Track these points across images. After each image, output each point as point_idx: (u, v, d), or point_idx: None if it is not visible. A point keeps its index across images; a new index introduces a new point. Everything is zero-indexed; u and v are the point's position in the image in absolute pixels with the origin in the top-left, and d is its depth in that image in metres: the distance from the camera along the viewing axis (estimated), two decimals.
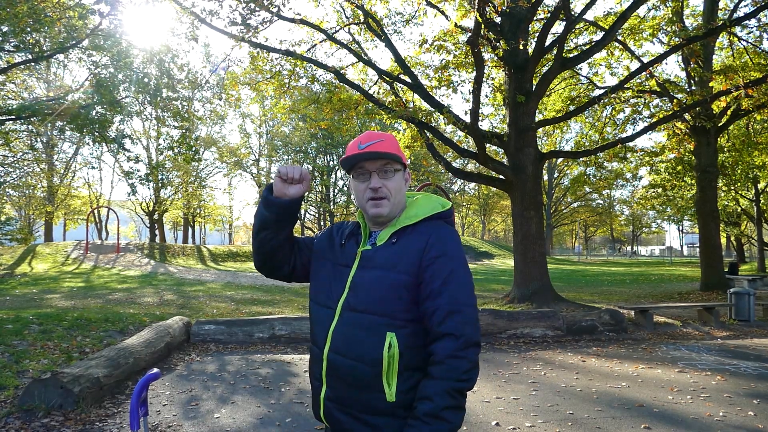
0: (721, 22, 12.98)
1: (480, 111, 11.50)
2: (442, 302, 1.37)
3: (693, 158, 15.75)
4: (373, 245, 1.50)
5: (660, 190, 24.78)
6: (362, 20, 12.15)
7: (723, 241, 38.54)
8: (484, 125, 22.00)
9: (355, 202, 1.57)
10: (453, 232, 1.49)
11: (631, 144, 14.07)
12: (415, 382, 1.38)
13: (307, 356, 6.75)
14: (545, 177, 46.73)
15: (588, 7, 11.08)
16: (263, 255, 1.60)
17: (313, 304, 1.57)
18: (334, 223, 1.68)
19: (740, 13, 14.55)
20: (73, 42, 13.03)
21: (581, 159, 20.92)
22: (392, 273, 1.41)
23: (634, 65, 14.99)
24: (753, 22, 13.71)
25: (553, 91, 16.59)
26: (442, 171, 33.35)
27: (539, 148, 12.65)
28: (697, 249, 34.97)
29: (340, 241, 1.58)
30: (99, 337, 6.74)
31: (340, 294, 1.47)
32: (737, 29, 14.08)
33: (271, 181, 1.54)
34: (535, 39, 11.57)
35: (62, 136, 28.93)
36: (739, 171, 20.16)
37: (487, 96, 15.58)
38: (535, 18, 12.22)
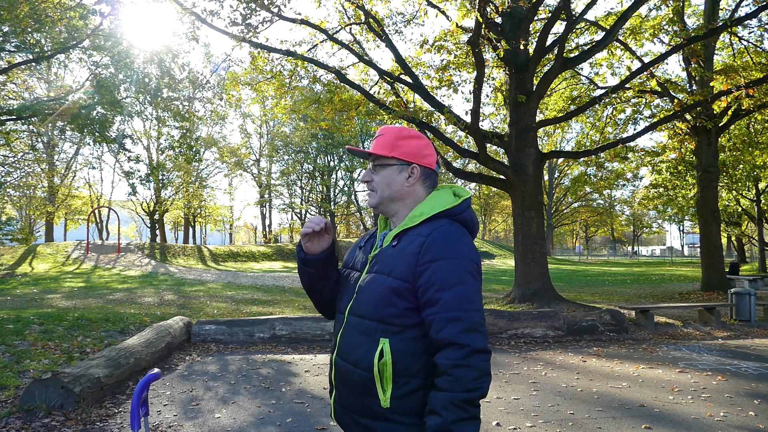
0: (722, 22, 12.98)
1: (481, 111, 11.50)
2: (439, 310, 1.30)
3: (694, 158, 15.74)
4: (381, 248, 1.48)
5: (661, 189, 24.78)
6: (363, 20, 12.16)
7: (724, 241, 38.50)
8: (485, 125, 21.95)
9: None
10: (453, 232, 1.37)
11: (631, 144, 14.06)
12: (411, 388, 1.33)
13: (308, 356, 6.78)
14: (546, 177, 46.77)
15: (589, 6, 11.06)
16: (326, 302, 1.64)
17: (336, 312, 1.59)
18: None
19: (741, 12, 14.56)
20: (74, 42, 13.05)
21: (582, 159, 20.91)
22: (388, 278, 1.37)
23: (636, 65, 14.98)
24: (754, 21, 13.74)
25: (554, 90, 16.58)
26: (443, 171, 33.35)
27: (540, 148, 12.64)
28: (698, 249, 34.95)
29: (359, 245, 1.60)
30: (100, 337, 6.75)
31: (349, 299, 1.47)
32: (738, 29, 14.04)
33: (298, 240, 1.57)
34: (536, 39, 11.56)
35: (63, 137, 28.96)
36: (740, 171, 20.14)
37: (487, 96, 15.60)
38: (535, 18, 12.22)
